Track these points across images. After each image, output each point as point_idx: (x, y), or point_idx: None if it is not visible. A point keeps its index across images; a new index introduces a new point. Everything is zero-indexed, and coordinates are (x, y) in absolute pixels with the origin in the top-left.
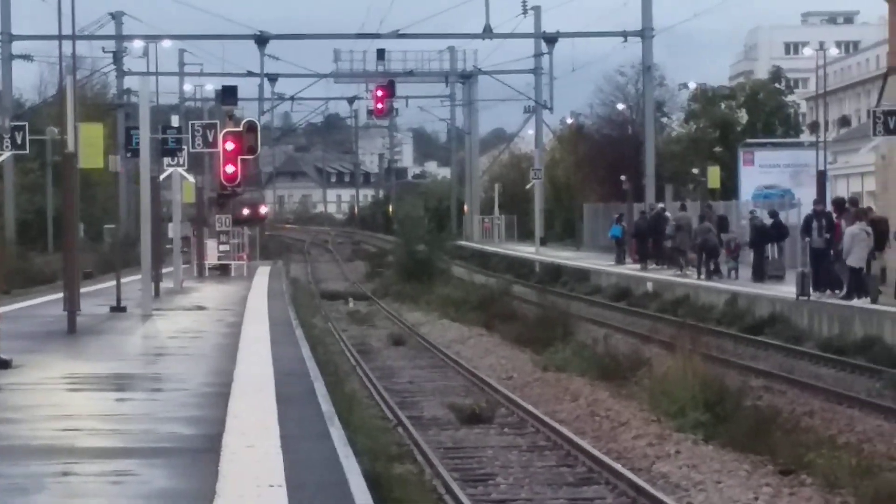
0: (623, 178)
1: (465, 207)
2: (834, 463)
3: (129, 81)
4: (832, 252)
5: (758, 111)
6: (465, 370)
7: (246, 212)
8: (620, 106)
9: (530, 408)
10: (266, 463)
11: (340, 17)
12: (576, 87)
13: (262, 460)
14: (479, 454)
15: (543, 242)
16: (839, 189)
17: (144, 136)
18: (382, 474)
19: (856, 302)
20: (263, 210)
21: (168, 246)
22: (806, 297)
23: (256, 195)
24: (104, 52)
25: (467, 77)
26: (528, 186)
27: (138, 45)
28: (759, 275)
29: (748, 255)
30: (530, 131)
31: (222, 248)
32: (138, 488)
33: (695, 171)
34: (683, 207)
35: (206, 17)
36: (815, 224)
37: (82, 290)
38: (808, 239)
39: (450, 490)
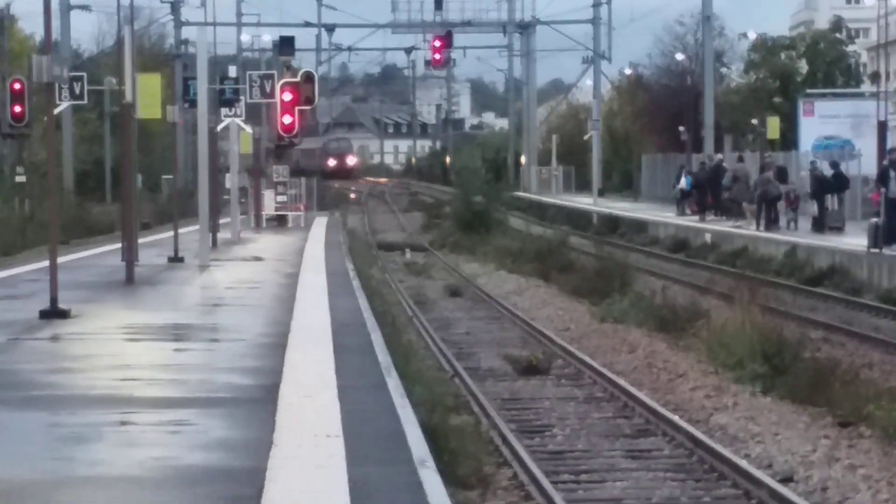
0: (682, 128)
1: (523, 158)
2: (893, 415)
3: (186, 32)
4: None
5: (818, 61)
6: (521, 321)
7: (332, 162)
8: (679, 56)
9: (587, 359)
10: (323, 413)
11: None
12: (634, 38)
13: (319, 410)
14: (536, 405)
15: (601, 193)
16: None
17: (202, 87)
18: (439, 425)
19: None
20: (352, 161)
21: (225, 197)
22: (878, 250)
23: (344, 143)
24: (162, 2)
25: (525, 27)
26: (585, 137)
27: None
28: (819, 226)
29: (808, 207)
30: (588, 82)
31: (279, 198)
32: (196, 438)
33: (754, 121)
34: (741, 159)
35: None
36: (892, 174)
37: (140, 240)
38: (883, 189)
39: (506, 441)
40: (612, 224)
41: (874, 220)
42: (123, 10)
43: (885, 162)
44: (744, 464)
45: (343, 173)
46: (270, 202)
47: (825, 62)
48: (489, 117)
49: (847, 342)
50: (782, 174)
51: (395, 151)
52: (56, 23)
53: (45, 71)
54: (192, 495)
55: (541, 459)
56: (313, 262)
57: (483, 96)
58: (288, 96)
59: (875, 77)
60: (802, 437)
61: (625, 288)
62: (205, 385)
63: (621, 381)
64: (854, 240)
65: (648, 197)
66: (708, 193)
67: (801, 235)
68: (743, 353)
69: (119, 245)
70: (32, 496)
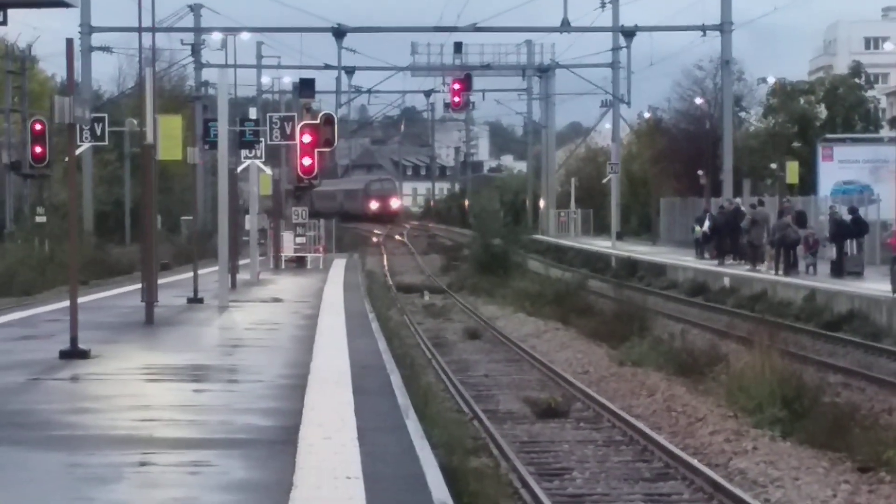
0: (700, 172)
1: (541, 201)
2: None
3: (207, 74)
4: None
5: (837, 106)
6: (540, 364)
7: (375, 205)
8: (698, 100)
9: (606, 402)
10: (343, 455)
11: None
12: (653, 82)
13: (338, 452)
14: (555, 448)
15: (619, 237)
16: None
17: (222, 128)
18: (458, 467)
19: None
20: (396, 203)
21: (245, 238)
22: None
23: (388, 185)
24: (182, 44)
25: (544, 70)
26: (604, 181)
27: (216, 37)
28: (838, 271)
29: (827, 251)
30: (607, 125)
31: (299, 240)
32: (216, 479)
33: (773, 166)
34: (761, 203)
35: (283, 10)
36: None
37: (160, 281)
38: None
39: (526, 484)
40: (631, 267)
41: None
42: (145, 51)
43: None
44: None
45: (387, 217)
46: (289, 244)
47: (844, 107)
48: (508, 160)
49: (867, 387)
50: (801, 219)
51: (413, 193)
52: (77, 64)
53: (67, 112)
54: None
55: (560, 502)
56: (332, 303)
57: (501, 139)
58: (307, 138)
59: (894, 122)
60: (822, 482)
61: (644, 331)
62: (224, 426)
63: (640, 425)
64: (873, 284)
65: (667, 241)
66: (727, 237)
67: (820, 280)
68: (762, 397)
69: (139, 286)
70: None
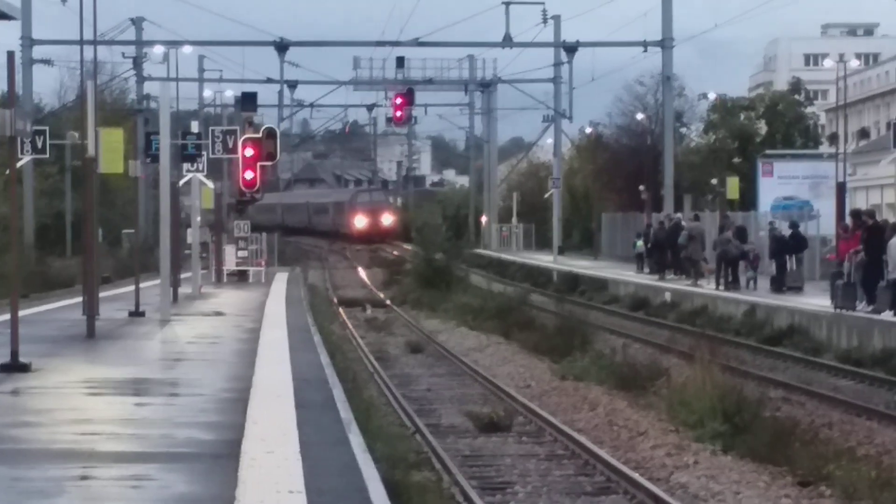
0: (641, 188)
1: (483, 216)
2: (853, 475)
3: (148, 87)
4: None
5: (777, 122)
6: (482, 378)
7: (361, 222)
8: (639, 116)
9: (548, 416)
10: (285, 469)
11: (360, 24)
12: (595, 97)
13: (281, 466)
14: (498, 462)
15: (561, 251)
16: (858, 201)
17: (164, 142)
18: (401, 481)
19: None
20: (388, 220)
21: (187, 251)
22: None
23: (377, 196)
24: (124, 57)
25: (486, 85)
26: (546, 195)
27: (158, 50)
28: (779, 286)
29: (767, 267)
30: (549, 140)
31: (240, 253)
32: (158, 493)
33: (714, 181)
34: (697, 218)
35: (226, 24)
36: None
37: (101, 294)
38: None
39: (468, 498)
40: (573, 282)
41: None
42: (86, 64)
43: None
44: None
45: (377, 236)
46: (231, 257)
47: (784, 123)
48: (450, 174)
49: (806, 401)
50: (741, 234)
51: None
52: (18, 76)
53: (8, 125)
54: None
55: None
56: (274, 317)
57: (444, 153)
58: (250, 152)
59: (833, 138)
60: (763, 496)
61: (585, 346)
62: (166, 440)
63: (582, 439)
64: (813, 299)
65: (608, 255)
66: (667, 252)
67: (761, 295)
68: (703, 411)
69: (80, 299)
70: None
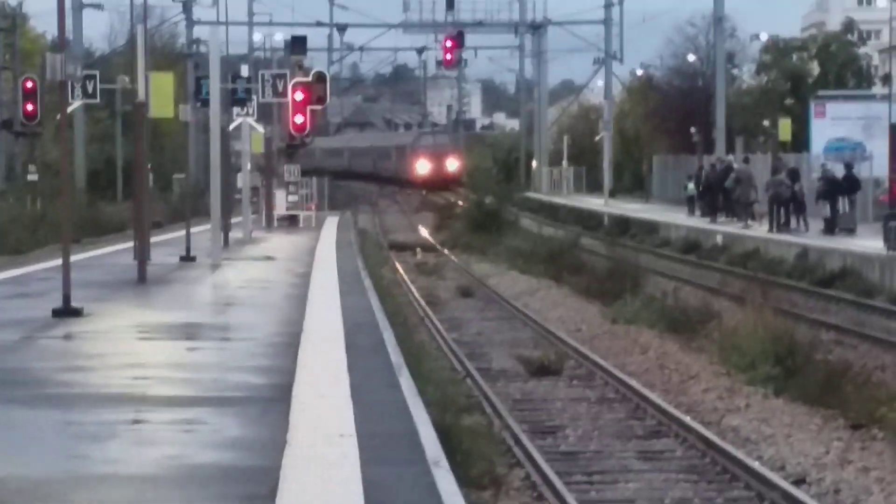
0: (693, 130)
1: (534, 160)
2: None
3: (198, 31)
4: None
5: (830, 63)
6: (533, 322)
7: (425, 167)
8: (691, 57)
9: (599, 360)
10: (336, 413)
11: None
12: (646, 39)
13: (332, 410)
14: (548, 406)
15: (612, 195)
16: None
17: (214, 86)
18: (452, 425)
19: None
20: (453, 165)
21: (237, 196)
22: None
23: (441, 139)
24: (174, 1)
25: (537, 28)
26: (596, 138)
27: None
28: (831, 228)
29: (820, 209)
30: (599, 83)
31: (291, 198)
32: (210, 436)
33: (766, 123)
34: (746, 160)
35: None
36: None
37: (152, 239)
38: None
39: (519, 442)
40: (624, 225)
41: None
42: (136, 8)
43: None
44: (756, 465)
45: (440, 182)
46: (282, 202)
47: (837, 64)
48: (500, 118)
49: (859, 345)
50: (794, 175)
51: None
52: (68, 21)
53: (59, 69)
54: (206, 494)
55: (553, 460)
56: (325, 261)
57: (494, 97)
58: (300, 96)
59: (887, 79)
60: (815, 439)
61: (636, 289)
62: (217, 384)
63: (633, 382)
64: (866, 242)
65: (659, 198)
66: (719, 195)
67: (813, 237)
68: (755, 354)
69: (131, 244)
70: (48, 495)
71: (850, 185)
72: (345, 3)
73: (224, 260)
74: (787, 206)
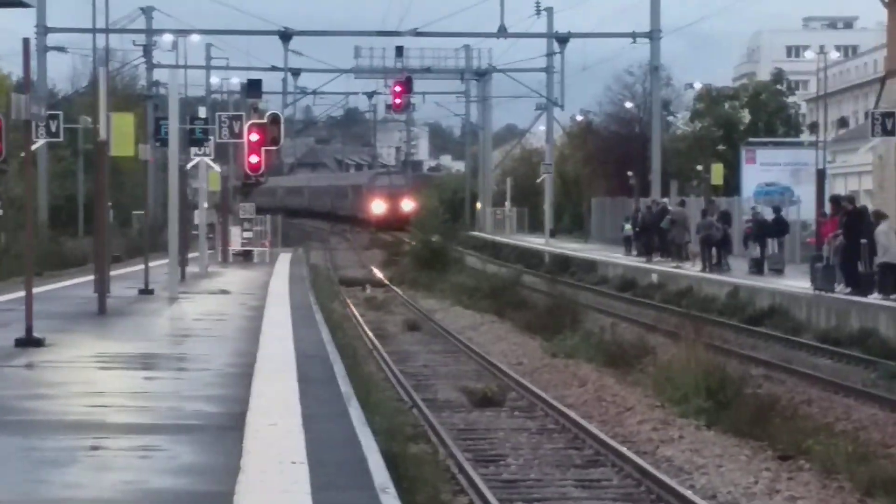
0: (630, 173)
1: (478, 200)
2: (831, 449)
3: (158, 74)
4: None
5: (760, 111)
6: (477, 355)
7: (380, 207)
8: (628, 104)
9: (540, 392)
10: (288, 440)
11: (361, 15)
12: (586, 86)
13: (284, 438)
14: (491, 436)
15: (552, 234)
16: (837, 188)
17: (173, 127)
18: (399, 453)
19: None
20: (408, 206)
21: (194, 232)
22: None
23: (398, 180)
24: (135, 45)
25: (482, 74)
26: (538, 180)
27: (167, 39)
28: (760, 268)
29: (751, 250)
30: (541, 127)
31: (245, 234)
32: (166, 463)
33: (699, 167)
34: (683, 203)
35: (232, 13)
36: None
37: (111, 273)
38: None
39: (463, 470)
40: (563, 263)
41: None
42: (98, 52)
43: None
44: (689, 494)
45: (396, 221)
46: (237, 238)
47: (766, 112)
48: (446, 160)
49: (787, 379)
50: (726, 218)
51: None
52: (33, 63)
53: (24, 109)
54: None
55: (495, 488)
56: (278, 295)
57: (441, 139)
58: (255, 136)
59: (814, 127)
60: (745, 469)
61: (575, 325)
62: (174, 412)
63: (572, 414)
64: (793, 281)
65: (598, 238)
66: (654, 235)
67: (744, 277)
68: (688, 388)
69: (91, 277)
70: None
71: (778, 227)
72: (299, 48)
73: (181, 293)
74: (718, 246)
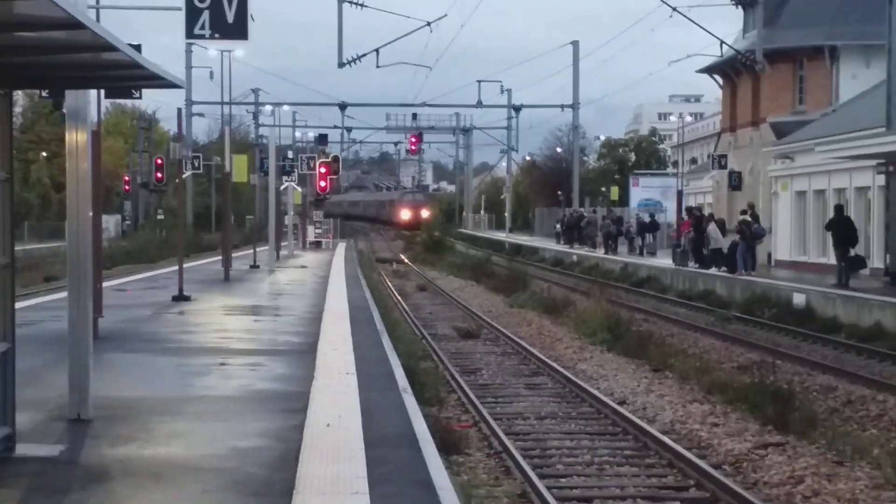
0: (559, 192)
1: (464, 209)
2: (685, 365)
3: (262, 130)
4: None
5: (641, 154)
6: (462, 307)
7: (406, 215)
8: (558, 149)
9: (502, 329)
10: (344, 359)
11: (391, 92)
12: (532, 137)
13: (341, 358)
14: (471, 356)
15: (511, 231)
16: (690, 202)
17: (272, 163)
18: (414, 367)
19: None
20: (425, 214)
21: (284, 229)
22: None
23: (419, 196)
24: (247, 112)
25: (466, 131)
26: (501, 197)
27: (268, 108)
28: (641, 252)
29: (636, 241)
30: (503, 164)
31: (317, 231)
32: (266, 373)
33: (603, 189)
34: (594, 211)
35: (308, 91)
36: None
37: (232, 255)
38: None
39: (454, 377)
40: (517, 249)
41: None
42: (224, 117)
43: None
44: (596, 392)
45: (417, 224)
46: (311, 233)
47: (645, 154)
48: (444, 184)
49: (658, 321)
50: (619, 221)
51: None
52: (183, 123)
53: (177, 152)
54: (265, 407)
55: (474, 388)
56: (337, 269)
57: (440, 172)
58: (323, 169)
59: (675, 164)
60: (631, 377)
61: (525, 287)
62: (271, 342)
63: (523, 343)
64: (662, 261)
65: (539, 233)
66: (574, 231)
67: (631, 257)
68: (595, 326)
69: (219, 258)
70: (169, 407)
71: (653, 226)
72: (350, 114)
73: (276, 268)
74: (614, 239)
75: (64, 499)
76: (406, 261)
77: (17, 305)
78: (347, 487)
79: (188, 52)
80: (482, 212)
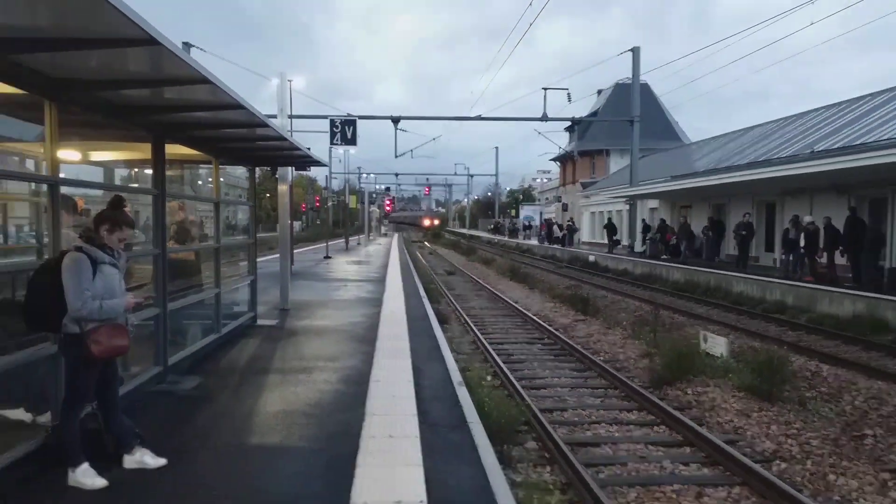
0: (489, 211)
1: (448, 220)
2: (543, 286)
3: (363, 184)
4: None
5: (526, 195)
6: (448, 262)
7: (426, 223)
8: (489, 193)
9: (465, 271)
10: (397, 284)
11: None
12: (479, 188)
13: (396, 284)
14: (450, 282)
15: (469, 228)
16: (547, 216)
17: (366, 199)
18: (442, 313)
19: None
20: (435, 222)
21: (372, 226)
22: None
23: (431, 214)
24: (356, 175)
25: (449, 185)
26: (465, 213)
27: (365, 175)
28: (527, 238)
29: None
30: (465, 199)
31: (383, 230)
32: (367, 289)
33: (511, 211)
34: (505, 219)
35: (381, 167)
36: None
37: (349, 238)
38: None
39: (445, 295)
40: (471, 237)
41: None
42: (346, 179)
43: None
44: (506, 298)
45: (430, 227)
46: (383, 230)
47: (527, 196)
48: (441, 209)
49: (531, 268)
50: (514, 224)
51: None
52: (326, 180)
53: (328, 196)
54: (364, 303)
55: (451, 293)
56: (395, 244)
57: (440, 202)
58: (388, 201)
59: (539, 200)
60: (520, 292)
61: (474, 253)
62: (367, 275)
63: (468, 273)
64: (534, 242)
65: (482, 229)
66: (497, 228)
67: (521, 239)
68: (504, 269)
69: (343, 239)
70: (323, 303)
71: (530, 227)
72: (403, 126)
73: (369, 243)
74: (514, 232)
75: (278, 342)
76: (425, 242)
77: (258, 260)
78: (400, 337)
79: (330, 150)
80: (457, 221)
